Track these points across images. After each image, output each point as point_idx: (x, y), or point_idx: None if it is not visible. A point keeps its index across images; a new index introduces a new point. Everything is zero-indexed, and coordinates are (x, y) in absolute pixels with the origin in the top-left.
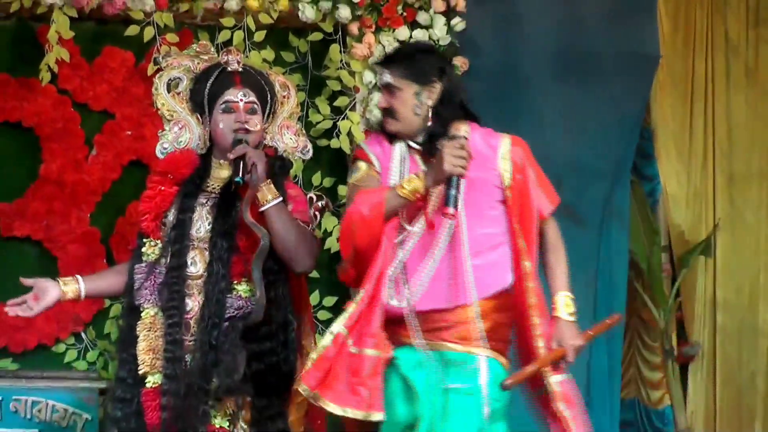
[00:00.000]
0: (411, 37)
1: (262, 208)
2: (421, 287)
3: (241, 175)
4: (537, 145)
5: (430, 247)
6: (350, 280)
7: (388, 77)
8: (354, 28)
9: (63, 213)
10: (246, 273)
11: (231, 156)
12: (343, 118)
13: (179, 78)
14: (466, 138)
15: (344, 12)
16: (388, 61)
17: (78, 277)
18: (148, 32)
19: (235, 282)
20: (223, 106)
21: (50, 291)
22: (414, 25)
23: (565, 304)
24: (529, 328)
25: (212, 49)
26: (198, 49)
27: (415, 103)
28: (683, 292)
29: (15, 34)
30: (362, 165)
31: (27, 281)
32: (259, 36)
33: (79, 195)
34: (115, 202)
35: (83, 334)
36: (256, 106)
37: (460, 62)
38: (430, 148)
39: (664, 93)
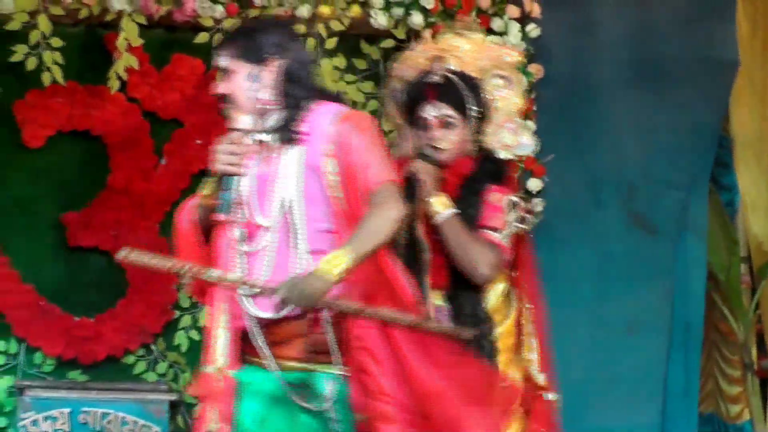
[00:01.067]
0: None
1: (433, 222)
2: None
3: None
4: (609, 152)
5: (264, 250)
6: (194, 292)
7: (221, 60)
8: (427, 35)
9: (131, 223)
10: (436, 284)
11: (405, 174)
12: None
13: (397, 88)
14: (240, 131)
15: (417, 19)
16: (223, 42)
17: None
18: (218, 39)
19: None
20: (417, 121)
21: None
22: (488, 31)
23: (326, 260)
24: None
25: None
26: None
27: (250, 85)
28: (763, 304)
29: (83, 42)
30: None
31: None
32: (331, 43)
33: (147, 204)
34: None
35: (153, 346)
36: (451, 119)
37: (535, 69)
38: (281, 136)
39: (742, 100)
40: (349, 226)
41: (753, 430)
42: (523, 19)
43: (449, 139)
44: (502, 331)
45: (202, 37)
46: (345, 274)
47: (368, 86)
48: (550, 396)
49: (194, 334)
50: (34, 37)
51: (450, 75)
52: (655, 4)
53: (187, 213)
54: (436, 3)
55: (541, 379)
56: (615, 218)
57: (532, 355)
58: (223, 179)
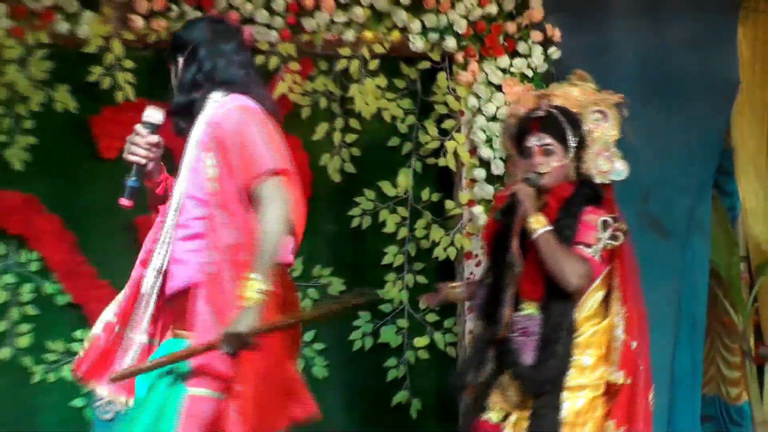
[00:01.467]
0: (511, 65)
1: (531, 238)
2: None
3: None
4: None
5: (164, 239)
6: None
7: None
8: (459, 57)
9: None
10: (530, 294)
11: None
12: (450, 139)
13: (511, 124)
14: (149, 123)
15: (450, 42)
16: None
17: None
18: (273, 61)
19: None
20: (524, 150)
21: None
22: (514, 54)
23: (242, 293)
24: None
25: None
26: (575, 79)
27: (172, 76)
28: (760, 298)
29: (152, 63)
30: None
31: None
32: (373, 64)
33: None
34: None
35: None
36: (551, 147)
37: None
38: (174, 125)
39: (742, 116)
40: (225, 216)
41: (751, 410)
42: (545, 43)
43: (549, 165)
44: (599, 329)
45: (259, 59)
46: (265, 294)
47: (406, 103)
48: (650, 396)
49: None
50: (109, 59)
51: (552, 109)
52: (665, 29)
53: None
54: (467, 28)
55: (618, 378)
56: (630, 221)
57: (615, 358)
58: (132, 167)
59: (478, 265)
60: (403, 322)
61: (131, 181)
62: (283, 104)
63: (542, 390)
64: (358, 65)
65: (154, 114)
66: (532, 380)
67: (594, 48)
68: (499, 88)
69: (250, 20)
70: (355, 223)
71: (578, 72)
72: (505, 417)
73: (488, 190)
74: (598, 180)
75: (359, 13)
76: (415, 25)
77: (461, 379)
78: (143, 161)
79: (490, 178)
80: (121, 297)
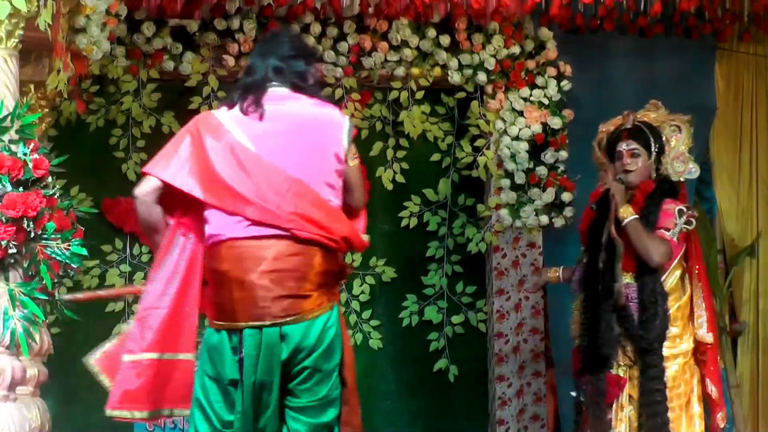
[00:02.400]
0: (531, 95)
1: (622, 224)
2: None
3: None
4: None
5: None
6: None
7: None
8: (489, 88)
9: None
10: (626, 268)
11: (602, 189)
12: (481, 155)
13: (602, 138)
14: None
15: (482, 77)
16: None
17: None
18: (338, 92)
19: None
20: (615, 155)
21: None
22: (533, 86)
23: None
24: None
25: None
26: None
27: None
28: (734, 283)
29: None
30: None
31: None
32: (419, 94)
33: None
34: None
35: None
36: (637, 151)
37: (568, 113)
38: None
39: (719, 136)
40: None
41: (726, 376)
42: (559, 77)
43: (636, 164)
44: (681, 304)
45: (326, 91)
46: None
47: (446, 126)
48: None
49: None
50: (206, 91)
51: (638, 122)
52: (655, 66)
53: None
54: (495, 65)
55: (708, 338)
56: None
57: (701, 322)
58: None
59: (504, 257)
60: (442, 303)
61: None
62: None
63: (652, 346)
64: (407, 95)
65: None
66: (644, 339)
67: (598, 82)
68: (521, 113)
69: (320, 59)
70: (404, 222)
71: (653, 101)
72: (626, 371)
73: (512, 196)
74: (674, 179)
75: (408, 53)
76: (453, 63)
77: (611, 349)
78: None
79: (514, 186)
80: None
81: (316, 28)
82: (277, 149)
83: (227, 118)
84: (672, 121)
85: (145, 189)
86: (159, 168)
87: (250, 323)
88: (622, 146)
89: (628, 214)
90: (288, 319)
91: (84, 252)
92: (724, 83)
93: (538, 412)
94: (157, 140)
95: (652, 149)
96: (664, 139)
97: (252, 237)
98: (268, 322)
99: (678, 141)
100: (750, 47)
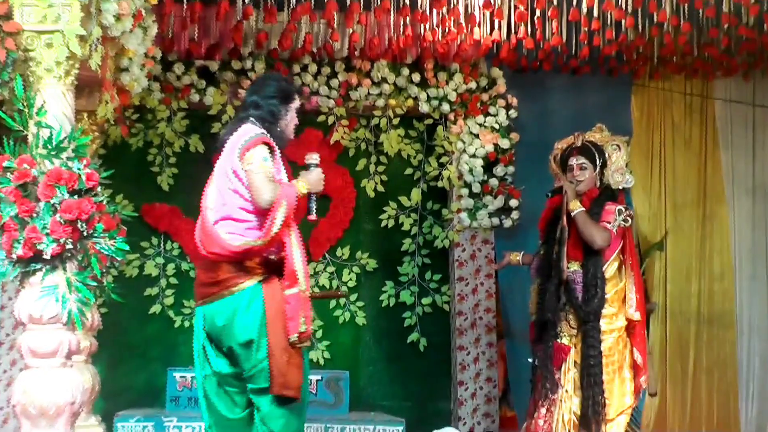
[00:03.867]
0: (485, 121)
1: (572, 215)
2: None
3: None
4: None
5: None
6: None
7: None
8: (451, 116)
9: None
10: (573, 256)
11: (556, 185)
12: (445, 169)
13: (557, 154)
14: (315, 163)
15: (446, 107)
16: None
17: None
18: (331, 119)
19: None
20: (567, 168)
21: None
22: (487, 114)
23: None
24: None
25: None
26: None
27: None
28: (647, 271)
29: None
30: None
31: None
32: (396, 121)
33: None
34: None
35: None
36: (585, 165)
37: (514, 136)
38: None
39: (634, 154)
40: None
41: None
42: (507, 107)
43: (584, 176)
44: (618, 289)
45: (321, 118)
46: None
47: (417, 146)
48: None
49: None
50: (225, 118)
51: (586, 141)
52: (585, 98)
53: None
54: (456, 98)
55: (636, 315)
56: None
57: (632, 303)
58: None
59: (463, 251)
60: (414, 288)
61: (313, 203)
62: (337, 147)
63: (589, 318)
64: (386, 121)
65: (317, 156)
66: (583, 310)
67: (539, 111)
68: (477, 136)
69: (316, 92)
70: (383, 223)
71: (598, 125)
72: (570, 340)
73: (470, 202)
74: (614, 187)
75: (386, 87)
76: (423, 96)
77: (555, 315)
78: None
79: (471, 194)
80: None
81: (313, 68)
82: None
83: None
84: (613, 141)
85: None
86: None
87: None
88: (573, 161)
89: (576, 207)
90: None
91: (126, 247)
92: (639, 112)
93: (491, 375)
94: (185, 158)
95: (597, 163)
96: (606, 155)
97: None
98: None
99: (618, 157)
100: (659, 83)
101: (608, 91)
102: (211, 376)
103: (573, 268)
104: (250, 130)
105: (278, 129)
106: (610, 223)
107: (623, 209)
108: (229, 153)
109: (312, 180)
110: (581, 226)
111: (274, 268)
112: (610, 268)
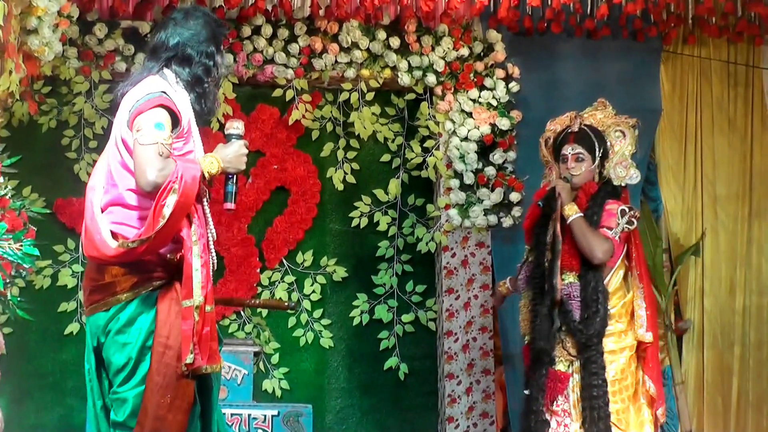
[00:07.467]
0: (479, 96)
1: (567, 222)
2: None
3: None
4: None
5: None
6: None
7: None
8: (438, 90)
9: (227, 224)
10: (569, 266)
11: (548, 187)
12: (430, 156)
13: (549, 137)
14: (239, 135)
15: (431, 78)
16: None
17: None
18: (289, 93)
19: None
20: (561, 157)
21: None
22: (482, 87)
23: None
24: None
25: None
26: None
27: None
28: (679, 282)
29: None
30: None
31: None
32: (369, 96)
33: (239, 211)
34: (264, 217)
35: (242, 312)
36: (582, 156)
37: (516, 115)
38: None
39: (664, 136)
40: None
41: (671, 372)
42: (507, 79)
43: (580, 168)
44: (626, 301)
45: (277, 92)
46: None
47: (396, 127)
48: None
49: None
50: None
51: (584, 126)
52: (601, 68)
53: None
54: (444, 67)
55: (647, 337)
56: None
57: (642, 322)
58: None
59: (453, 256)
60: (393, 302)
61: (231, 186)
62: (297, 128)
63: (591, 342)
64: (357, 97)
65: (240, 125)
66: (583, 334)
67: (546, 83)
68: (470, 114)
69: (271, 60)
70: (354, 222)
71: (600, 100)
72: (569, 366)
73: (461, 197)
74: (616, 182)
75: (358, 55)
76: (403, 65)
77: (548, 343)
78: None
79: (463, 187)
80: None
81: (267, 30)
82: None
83: None
84: (617, 126)
85: None
86: None
87: None
88: (568, 150)
89: (573, 212)
90: None
91: (36, 252)
92: (670, 85)
93: (487, 409)
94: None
95: (597, 154)
96: (608, 144)
97: None
98: None
99: (622, 146)
100: (694, 50)
101: (632, 58)
102: (105, 409)
103: (569, 281)
104: (147, 86)
105: (210, 92)
106: (611, 228)
107: (627, 209)
108: (121, 116)
109: (228, 156)
110: (579, 236)
111: (176, 271)
112: (614, 279)
